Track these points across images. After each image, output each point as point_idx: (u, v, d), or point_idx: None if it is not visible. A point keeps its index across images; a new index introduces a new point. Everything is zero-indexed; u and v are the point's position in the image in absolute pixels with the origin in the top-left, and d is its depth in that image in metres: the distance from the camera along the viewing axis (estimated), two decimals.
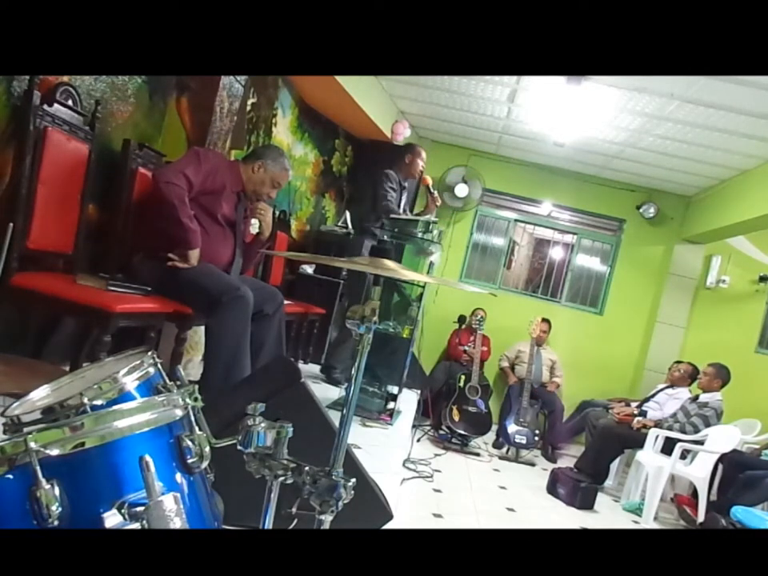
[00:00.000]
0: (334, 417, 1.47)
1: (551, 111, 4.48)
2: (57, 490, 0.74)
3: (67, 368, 2.17)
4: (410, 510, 3.05)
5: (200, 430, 0.94)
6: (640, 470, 4.34)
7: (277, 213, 4.08)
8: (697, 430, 4.28)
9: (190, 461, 0.90)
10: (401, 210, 3.94)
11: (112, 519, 0.77)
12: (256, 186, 2.64)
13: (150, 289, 2.24)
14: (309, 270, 4.74)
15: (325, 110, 4.87)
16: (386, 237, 3.59)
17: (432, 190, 4.03)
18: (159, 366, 0.99)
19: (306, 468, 1.02)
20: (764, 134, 4.00)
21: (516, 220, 6.40)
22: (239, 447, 1.01)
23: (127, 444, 0.82)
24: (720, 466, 4.05)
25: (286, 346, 3.11)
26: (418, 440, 4.44)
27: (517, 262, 7.13)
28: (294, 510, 1.05)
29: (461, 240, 6.24)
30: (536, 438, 4.99)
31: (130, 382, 0.91)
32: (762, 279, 5.90)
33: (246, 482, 1.06)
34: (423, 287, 3.69)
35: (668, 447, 4.17)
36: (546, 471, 4.46)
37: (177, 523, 0.80)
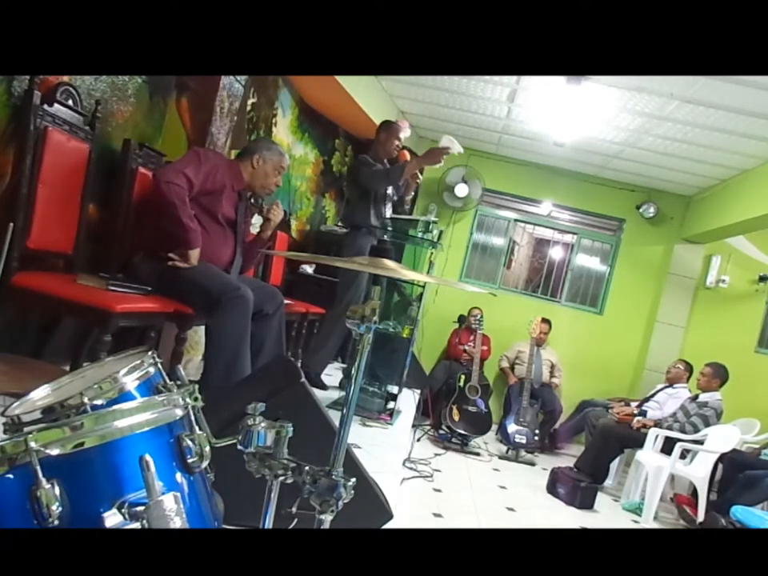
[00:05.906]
0: (334, 417, 1.47)
1: (551, 111, 4.48)
2: (57, 490, 0.74)
3: (67, 368, 2.17)
4: (410, 509, 3.05)
5: (200, 429, 0.94)
6: (640, 469, 4.34)
7: None
8: (696, 430, 4.29)
9: (190, 460, 0.90)
10: (391, 196, 3.65)
11: (112, 519, 0.77)
12: (262, 179, 2.62)
13: (150, 289, 2.24)
14: (309, 269, 4.75)
15: (325, 110, 4.87)
16: (385, 237, 3.58)
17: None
18: (159, 365, 0.99)
19: (306, 468, 1.02)
20: (764, 133, 4.00)
21: (516, 220, 6.40)
22: (239, 447, 1.02)
23: (127, 444, 0.82)
24: (720, 466, 4.06)
25: (286, 346, 3.11)
26: (418, 440, 4.44)
27: (517, 261, 7.14)
28: (293, 509, 1.05)
29: (461, 240, 6.24)
30: (536, 438, 5.00)
31: (130, 382, 0.91)
32: (762, 279, 5.90)
33: (246, 481, 1.06)
34: (423, 287, 3.68)
35: (668, 447, 4.17)
36: (545, 471, 4.46)
37: (177, 523, 0.80)
